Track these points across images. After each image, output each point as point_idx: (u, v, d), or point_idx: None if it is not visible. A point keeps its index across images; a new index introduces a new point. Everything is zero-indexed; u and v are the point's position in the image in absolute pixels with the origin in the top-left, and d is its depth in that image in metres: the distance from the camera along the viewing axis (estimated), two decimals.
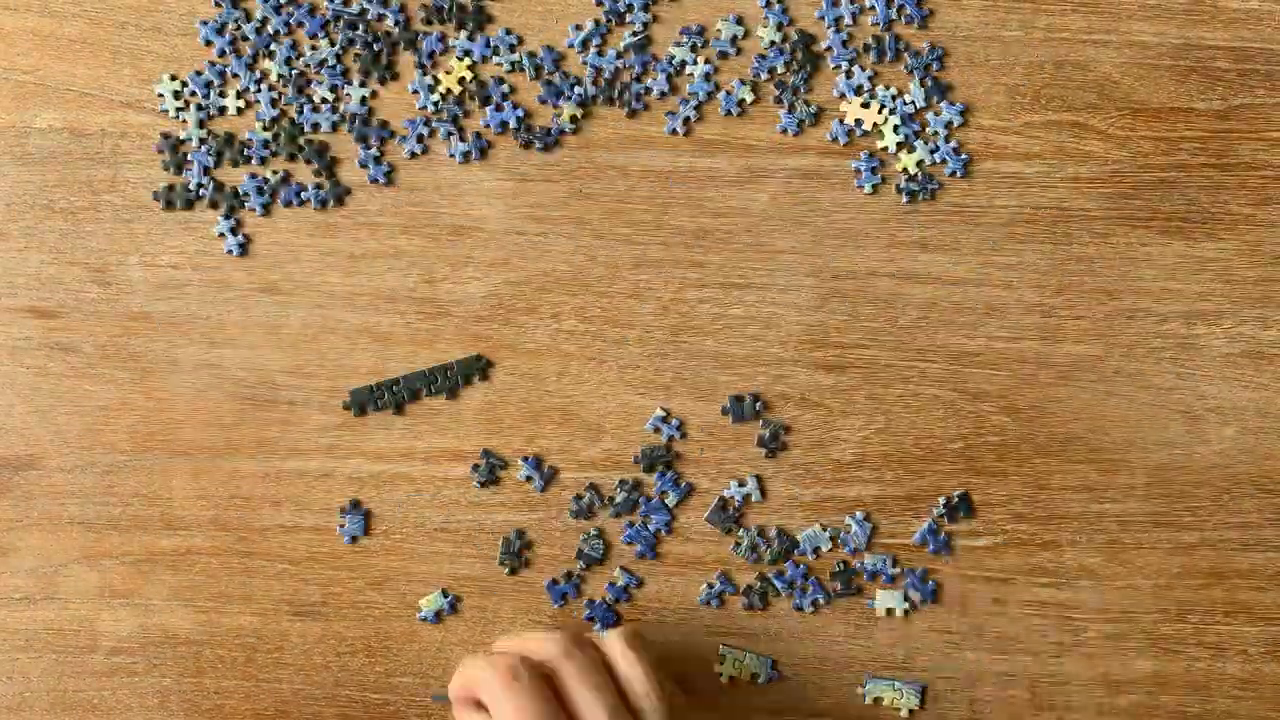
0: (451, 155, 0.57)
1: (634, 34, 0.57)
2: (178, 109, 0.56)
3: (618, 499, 0.56)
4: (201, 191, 0.56)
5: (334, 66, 0.57)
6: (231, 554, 0.56)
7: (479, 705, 0.49)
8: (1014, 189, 0.57)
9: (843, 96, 0.57)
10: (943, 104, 0.57)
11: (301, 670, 0.56)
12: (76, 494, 0.56)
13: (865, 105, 0.57)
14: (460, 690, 0.50)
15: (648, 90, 0.57)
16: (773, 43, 0.57)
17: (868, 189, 0.57)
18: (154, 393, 0.56)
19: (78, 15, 0.56)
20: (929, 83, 0.57)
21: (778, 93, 0.57)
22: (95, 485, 0.56)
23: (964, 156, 0.57)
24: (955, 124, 0.57)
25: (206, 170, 0.56)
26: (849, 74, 0.57)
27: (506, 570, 0.56)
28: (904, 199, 0.57)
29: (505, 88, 0.57)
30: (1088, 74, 0.57)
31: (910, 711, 0.56)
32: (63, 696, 0.56)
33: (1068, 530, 0.57)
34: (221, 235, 0.56)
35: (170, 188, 0.56)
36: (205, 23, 0.56)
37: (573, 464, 0.57)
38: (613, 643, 0.51)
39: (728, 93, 0.57)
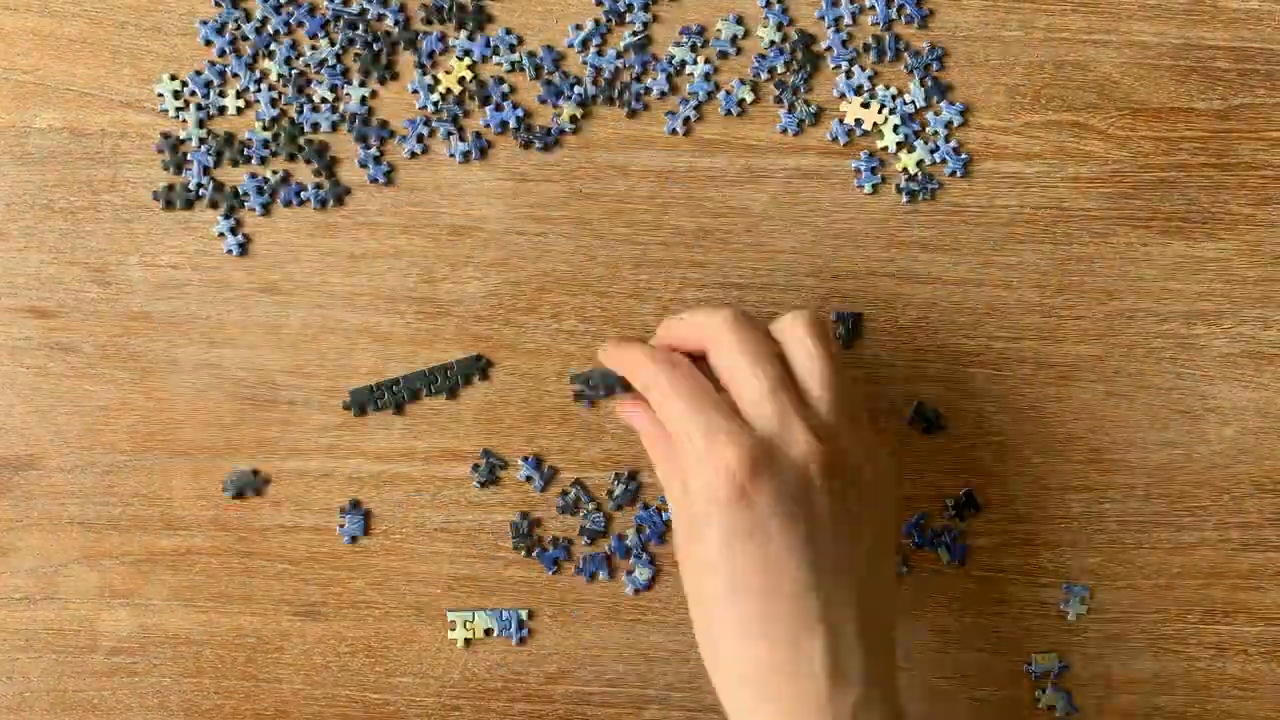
0: (451, 155, 0.57)
1: (634, 34, 0.57)
2: (177, 109, 0.56)
3: (615, 492, 0.56)
4: (201, 191, 0.56)
5: (334, 66, 0.57)
6: (231, 554, 0.56)
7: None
8: (1014, 189, 0.57)
9: (843, 96, 0.57)
10: (943, 104, 0.57)
11: (301, 670, 0.56)
12: (76, 494, 0.56)
13: (865, 105, 0.57)
14: (614, 364, 0.50)
15: (648, 90, 0.57)
16: (772, 43, 0.57)
17: (868, 189, 0.57)
18: (154, 393, 0.56)
19: (78, 15, 0.56)
20: (929, 83, 0.57)
21: (778, 93, 0.57)
22: (95, 485, 0.56)
23: (964, 156, 0.57)
24: (955, 124, 0.57)
25: (206, 170, 0.56)
26: (849, 74, 0.57)
27: (523, 553, 0.56)
28: (904, 199, 0.57)
29: (505, 88, 0.57)
30: (1088, 74, 0.57)
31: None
32: (63, 696, 0.56)
33: (1068, 530, 0.57)
34: (221, 235, 0.56)
35: (170, 188, 0.56)
36: (205, 22, 0.56)
37: (573, 464, 0.57)
38: (789, 322, 0.47)
39: (728, 93, 0.57)
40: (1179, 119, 0.57)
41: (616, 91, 0.57)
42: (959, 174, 0.57)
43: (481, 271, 0.57)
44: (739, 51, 0.57)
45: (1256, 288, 0.57)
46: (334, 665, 0.56)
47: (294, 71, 0.57)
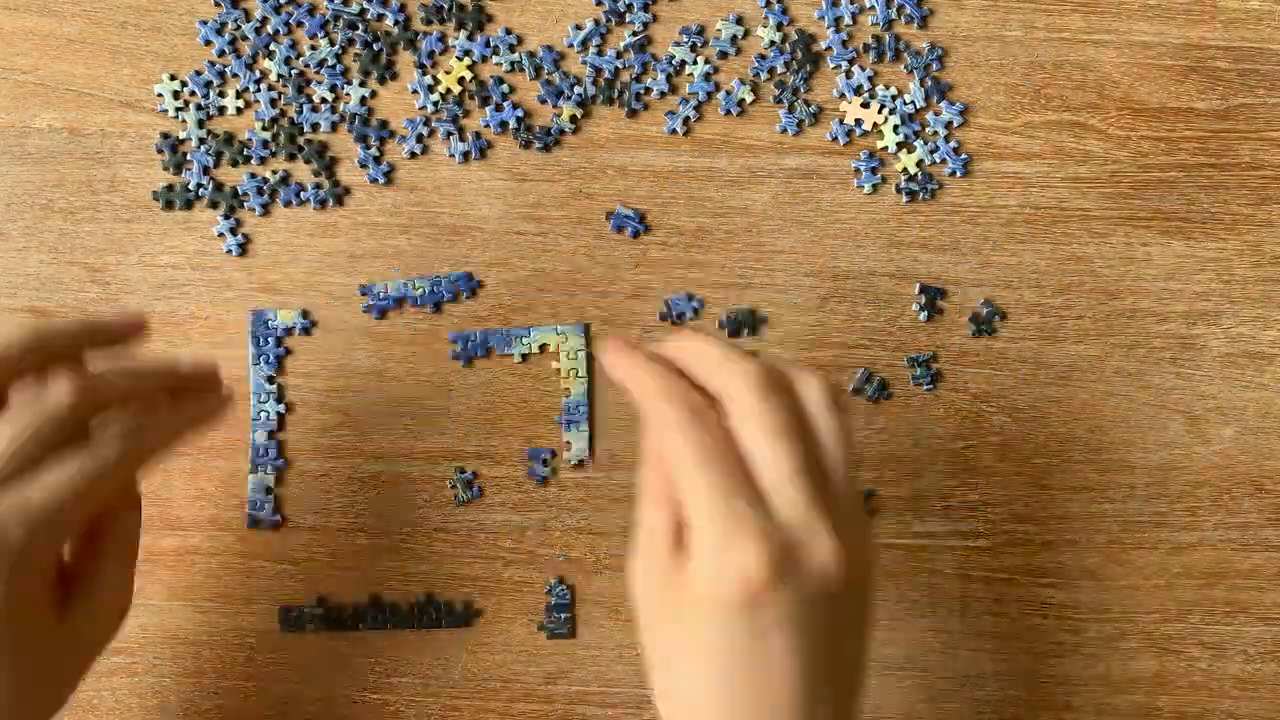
0: (451, 155, 0.57)
1: (634, 34, 0.57)
2: (177, 109, 0.56)
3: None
4: (201, 191, 0.56)
5: (334, 66, 0.57)
6: (231, 554, 0.56)
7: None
8: (1014, 189, 0.57)
9: (842, 96, 0.57)
10: (942, 104, 0.57)
11: (302, 670, 0.56)
12: None
13: (865, 105, 0.57)
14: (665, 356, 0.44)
15: (647, 90, 0.57)
16: (772, 42, 0.57)
17: (868, 189, 0.57)
18: None
19: (77, 15, 0.56)
20: (929, 83, 0.57)
21: (778, 93, 0.57)
22: None
23: (964, 156, 0.57)
24: (955, 124, 0.57)
25: (206, 170, 0.56)
26: (849, 74, 0.57)
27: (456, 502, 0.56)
28: (904, 199, 0.57)
29: (505, 87, 0.57)
30: (1088, 74, 0.57)
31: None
32: None
33: (1068, 530, 0.57)
34: (221, 235, 0.56)
35: (170, 188, 0.56)
36: (205, 22, 0.56)
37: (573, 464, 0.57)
38: (812, 389, 0.42)
39: (727, 93, 0.57)
40: (1179, 119, 0.57)
41: (616, 91, 0.57)
42: (959, 174, 0.57)
43: (481, 271, 0.57)
44: (739, 52, 0.57)
45: (1256, 288, 0.57)
46: (335, 665, 0.56)
47: (294, 71, 0.57)
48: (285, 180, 0.57)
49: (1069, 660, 0.57)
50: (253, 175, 0.56)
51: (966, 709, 0.57)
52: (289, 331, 0.56)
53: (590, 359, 0.56)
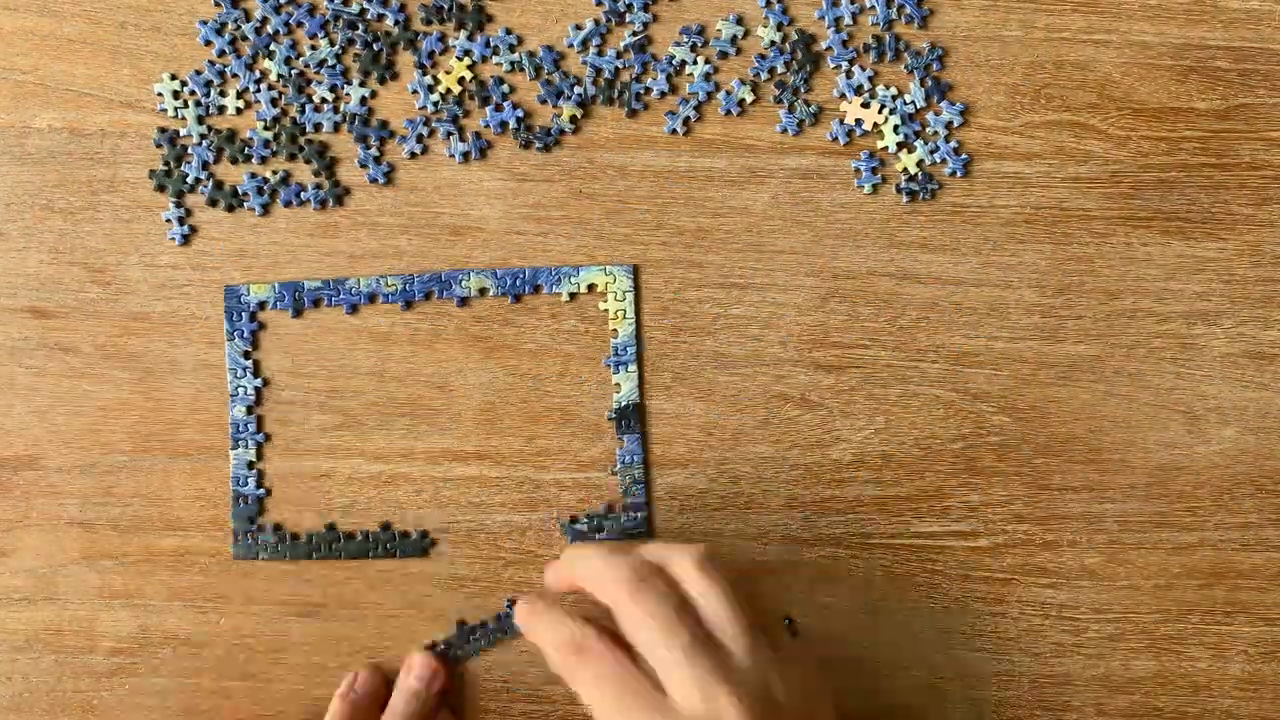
0: (451, 155, 0.57)
1: (634, 34, 0.57)
2: (177, 108, 0.56)
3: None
4: (201, 189, 0.56)
5: (334, 66, 0.57)
6: (231, 554, 0.56)
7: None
8: (1014, 189, 0.57)
9: (843, 97, 0.57)
10: (943, 104, 0.57)
11: (301, 670, 0.56)
12: (76, 494, 0.56)
13: (865, 105, 0.57)
14: (561, 582, 0.48)
15: (647, 90, 0.57)
16: (773, 42, 0.57)
17: (868, 189, 0.57)
18: (154, 393, 0.56)
19: (77, 15, 0.56)
20: (929, 83, 0.57)
21: (778, 93, 0.57)
22: (95, 485, 0.56)
23: (964, 156, 0.57)
24: (955, 124, 0.57)
25: (205, 165, 0.56)
26: (849, 74, 0.57)
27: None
28: (904, 199, 0.57)
29: (505, 88, 0.57)
30: (1088, 74, 0.57)
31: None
32: (62, 697, 0.56)
33: (1068, 530, 0.57)
34: (222, 235, 0.56)
35: (167, 172, 0.56)
36: (205, 22, 0.56)
37: (573, 464, 0.57)
38: (683, 565, 0.45)
39: (728, 93, 0.57)
40: (1179, 119, 0.57)
41: (616, 92, 0.57)
42: (959, 174, 0.57)
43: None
44: (739, 51, 0.57)
45: (1256, 288, 0.57)
46: (334, 665, 0.56)
47: (294, 71, 0.57)
48: (286, 180, 0.57)
49: (1069, 660, 0.57)
50: (253, 175, 0.56)
51: (966, 709, 0.57)
52: (262, 306, 0.56)
53: (638, 298, 0.56)
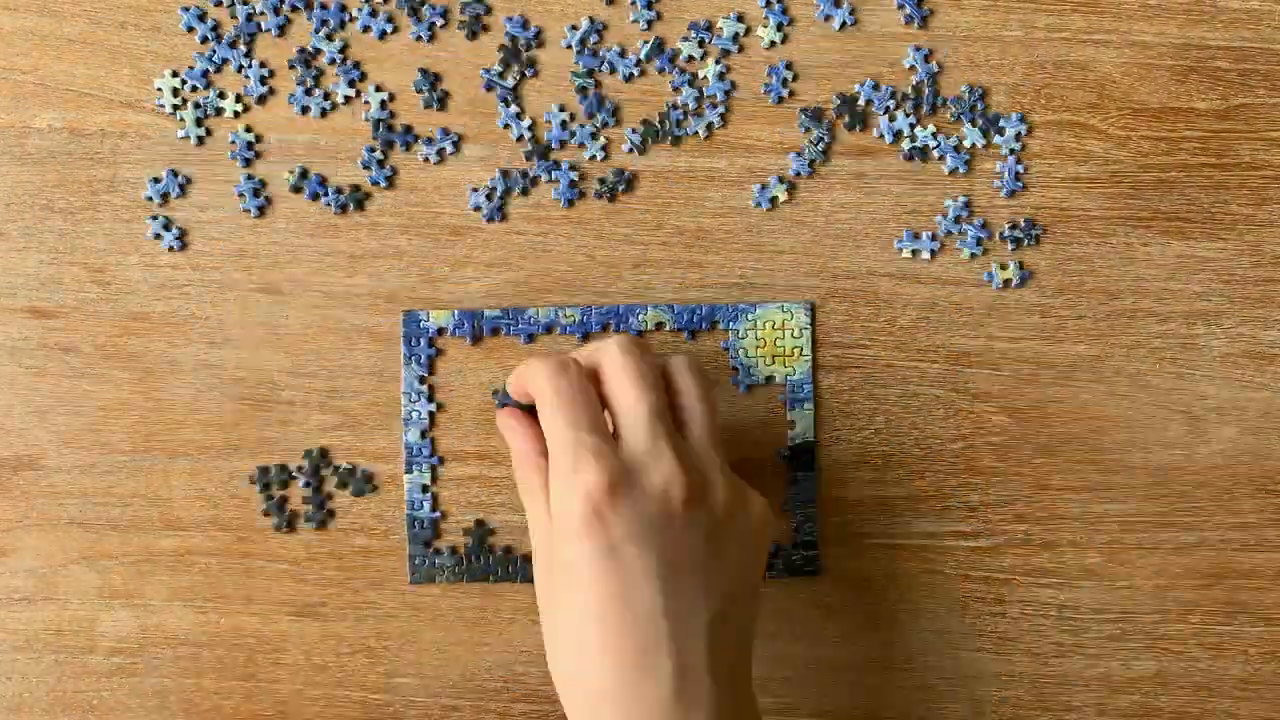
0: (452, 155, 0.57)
1: (645, 42, 0.56)
2: (174, 106, 0.56)
3: None
4: (200, 190, 0.56)
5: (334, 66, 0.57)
6: (231, 554, 0.56)
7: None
8: (1013, 188, 0.57)
9: (881, 137, 0.56)
10: (997, 133, 0.56)
11: (301, 670, 0.56)
12: (76, 494, 0.56)
13: (923, 154, 0.56)
14: (515, 388, 0.50)
15: (685, 116, 0.56)
16: (773, 43, 0.57)
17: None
18: (154, 393, 0.56)
19: (77, 15, 0.56)
20: (979, 122, 0.56)
21: (814, 146, 0.57)
22: (95, 485, 0.56)
23: (964, 156, 0.57)
24: (1022, 133, 0.56)
25: (200, 121, 0.56)
26: (891, 117, 0.56)
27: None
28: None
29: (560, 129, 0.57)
30: (1088, 74, 0.57)
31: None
32: (62, 697, 0.56)
33: (1068, 530, 0.57)
34: (221, 235, 0.56)
35: (172, 172, 0.56)
36: (202, 20, 0.56)
37: None
38: (677, 358, 0.50)
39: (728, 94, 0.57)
40: (1179, 119, 0.57)
41: (665, 127, 0.56)
42: (960, 173, 0.57)
43: (481, 272, 0.57)
44: (741, 49, 0.57)
45: (1256, 288, 0.57)
46: (334, 665, 0.56)
47: (293, 71, 0.56)
48: (305, 174, 0.57)
49: (1069, 660, 0.57)
50: (250, 176, 0.56)
51: (966, 709, 0.57)
52: (440, 332, 0.56)
53: (815, 336, 0.56)
